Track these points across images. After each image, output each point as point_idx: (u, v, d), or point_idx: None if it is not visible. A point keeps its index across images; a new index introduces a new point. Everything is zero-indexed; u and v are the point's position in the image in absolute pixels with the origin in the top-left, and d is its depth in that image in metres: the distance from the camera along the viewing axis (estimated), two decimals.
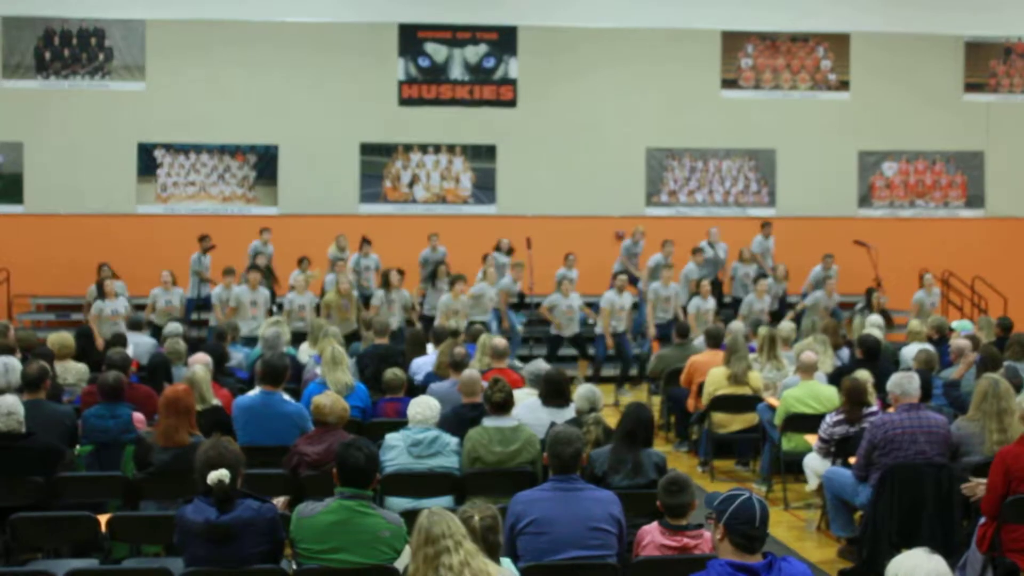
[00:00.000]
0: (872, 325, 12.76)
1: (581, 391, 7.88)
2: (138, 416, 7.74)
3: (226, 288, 15.13)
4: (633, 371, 15.54)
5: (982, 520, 6.60)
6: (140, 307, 15.58)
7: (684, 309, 15.64)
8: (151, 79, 19.47)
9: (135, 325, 13.26)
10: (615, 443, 6.79)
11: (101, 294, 14.81)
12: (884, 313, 15.10)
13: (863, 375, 9.10)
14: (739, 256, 17.65)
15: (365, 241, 17.24)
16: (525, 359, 13.83)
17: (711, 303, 15.39)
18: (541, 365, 9.08)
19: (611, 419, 7.75)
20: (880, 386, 8.89)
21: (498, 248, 17.71)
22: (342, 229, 17.66)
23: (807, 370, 9.74)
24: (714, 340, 11.56)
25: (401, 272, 15.35)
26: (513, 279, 16.59)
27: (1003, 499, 6.40)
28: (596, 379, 14.77)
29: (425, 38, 19.92)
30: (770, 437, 10.02)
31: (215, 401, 8.16)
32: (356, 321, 14.64)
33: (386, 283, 15.09)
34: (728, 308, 17.10)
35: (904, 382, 7.61)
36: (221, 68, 19.49)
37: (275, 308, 15.95)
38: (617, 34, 19.88)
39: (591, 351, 15.72)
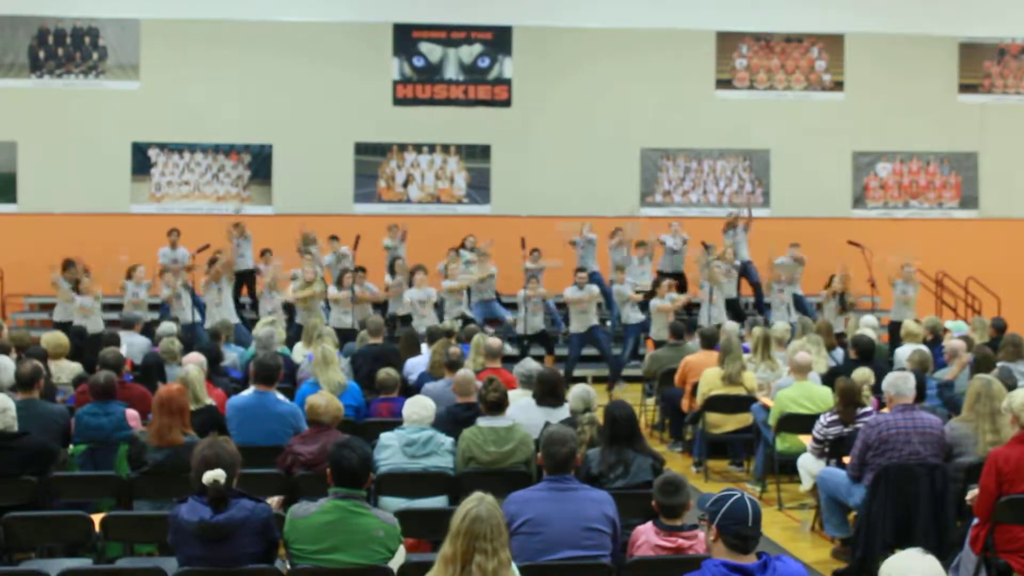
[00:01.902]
0: (866, 325, 12.76)
1: (575, 391, 7.87)
2: (132, 413, 7.72)
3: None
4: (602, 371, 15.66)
5: (975, 521, 6.61)
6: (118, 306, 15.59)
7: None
8: (145, 78, 19.47)
9: (129, 324, 13.23)
10: (602, 448, 6.77)
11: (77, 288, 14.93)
12: (842, 299, 15.24)
13: (863, 375, 9.10)
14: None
15: (333, 238, 17.32)
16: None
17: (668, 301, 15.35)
18: (532, 365, 9.05)
19: None
20: (878, 386, 8.89)
21: (463, 246, 17.69)
22: (336, 229, 17.67)
23: (801, 370, 9.74)
24: (708, 340, 11.56)
25: (362, 269, 15.62)
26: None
27: (996, 500, 6.41)
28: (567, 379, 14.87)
29: (420, 38, 19.93)
30: (764, 437, 10.03)
31: (209, 401, 8.14)
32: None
33: (339, 282, 15.28)
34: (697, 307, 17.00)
35: (899, 383, 7.60)
36: (215, 67, 19.48)
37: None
38: (612, 34, 19.89)
39: (559, 351, 15.82)
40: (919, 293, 16.50)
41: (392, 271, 16.64)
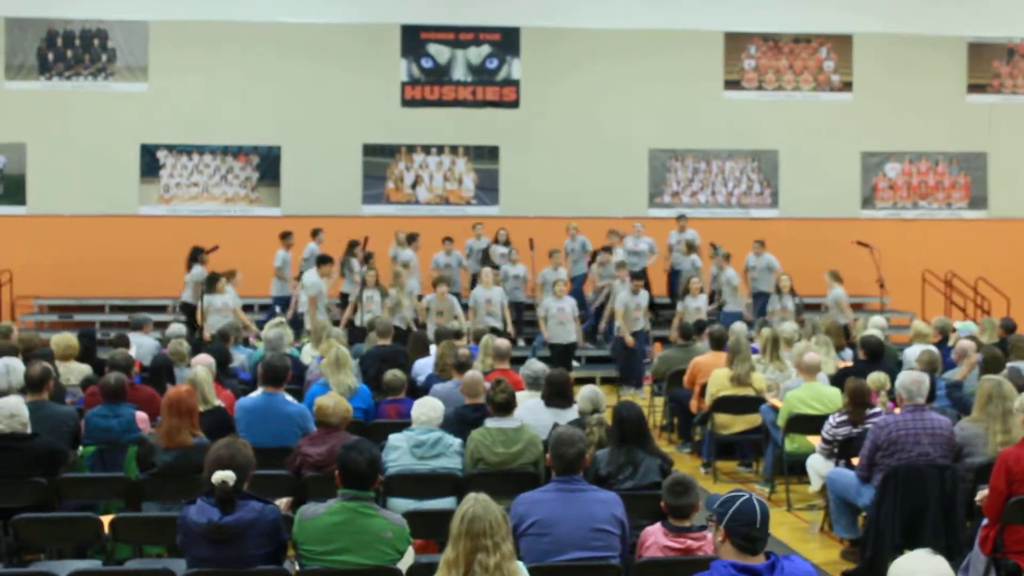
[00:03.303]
0: (874, 326, 12.73)
1: (584, 392, 7.87)
2: (141, 416, 7.74)
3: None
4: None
5: (985, 522, 6.59)
6: (143, 308, 15.57)
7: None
8: (154, 80, 19.50)
9: (137, 325, 13.23)
10: (611, 449, 6.77)
11: (212, 288, 14.43)
12: (793, 301, 15.13)
13: (878, 380, 9.08)
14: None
15: (447, 239, 17.50)
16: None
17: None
18: (538, 367, 9.03)
19: None
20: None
21: (496, 240, 17.70)
22: (344, 230, 17.63)
23: (810, 371, 9.73)
24: (717, 342, 11.55)
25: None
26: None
27: (1005, 501, 6.39)
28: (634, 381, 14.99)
29: (428, 39, 19.94)
30: (773, 438, 10.01)
31: (217, 402, 8.14)
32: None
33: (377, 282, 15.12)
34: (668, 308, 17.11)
35: (912, 386, 7.55)
36: (224, 69, 19.51)
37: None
38: (619, 35, 19.88)
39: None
40: (925, 293, 16.33)
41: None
